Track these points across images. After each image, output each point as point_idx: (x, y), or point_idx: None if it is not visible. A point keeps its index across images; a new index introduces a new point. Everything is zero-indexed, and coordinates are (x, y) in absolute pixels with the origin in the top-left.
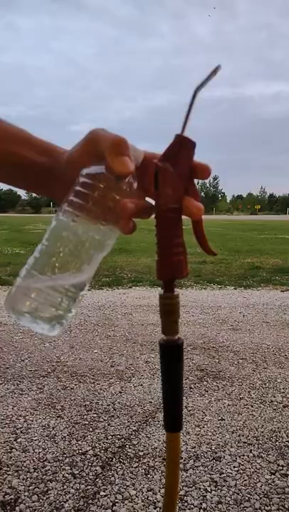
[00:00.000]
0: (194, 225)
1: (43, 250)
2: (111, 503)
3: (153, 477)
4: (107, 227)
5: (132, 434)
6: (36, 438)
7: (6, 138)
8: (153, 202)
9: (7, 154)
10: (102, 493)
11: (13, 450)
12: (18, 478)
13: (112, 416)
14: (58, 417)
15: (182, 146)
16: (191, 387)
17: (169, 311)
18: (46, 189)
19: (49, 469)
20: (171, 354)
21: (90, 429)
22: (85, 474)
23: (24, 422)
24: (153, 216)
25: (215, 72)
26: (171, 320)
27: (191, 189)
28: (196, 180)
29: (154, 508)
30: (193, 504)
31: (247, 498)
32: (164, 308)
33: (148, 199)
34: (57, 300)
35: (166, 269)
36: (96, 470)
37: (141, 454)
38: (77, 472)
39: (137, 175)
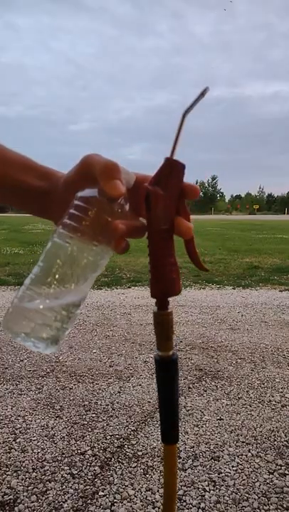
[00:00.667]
0: (186, 243)
1: (38, 271)
2: (110, 503)
3: (152, 477)
4: (100, 247)
5: (130, 434)
6: (35, 438)
7: (8, 163)
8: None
9: (9, 178)
10: (100, 493)
11: (12, 450)
12: (17, 478)
13: (111, 416)
14: (56, 417)
15: (172, 169)
16: (189, 387)
17: (164, 327)
18: (44, 211)
19: (48, 469)
20: (166, 369)
21: (89, 429)
22: (83, 474)
23: (23, 422)
24: (146, 235)
25: (203, 94)
26: (165, 336)
27: (182, 209)
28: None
29: (153, 508)
30: (191, 504)
31: (245, 497)
32: (158, 325)
33: (141, 218)
34: (52, 320)
35: (160, 288)
36: (95, 470)
37: (140, 453)
38: (76, 472)
39: (129, 197)
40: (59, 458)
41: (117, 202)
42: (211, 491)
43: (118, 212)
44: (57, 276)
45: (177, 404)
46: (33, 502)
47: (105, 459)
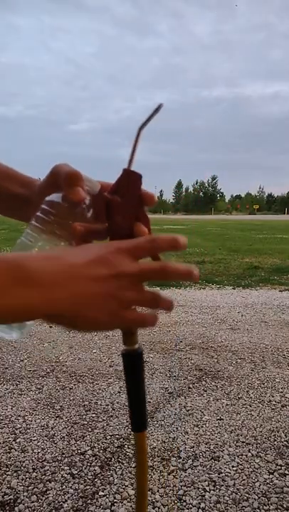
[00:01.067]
0: None
1: None
2: (110, 503)
3: (151, 477)
4: (63, 247)
5: (130, 434)
6: (35, 438)
7: None
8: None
9: None
10: (100, 493)
11: (12, 450)
12: (17, 478)
13: (111, 416)
14: (56, 417)
15: (130, 179)
16: (189, 387)
17: None
18: (25, 216)
19: (48, 469)
20: (132, 362)
21: (89, 429)
22: (83, 474)
23: (23, 422)
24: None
25: (157, 110)
26: (130, 332)
27: (142, 216)
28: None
29: (153, 508)
30: (191, 504)
31: (245, 497)
32: None
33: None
34: None
35: None
36: (95, 470)
37: None
38: (76, 472)
39: (94, 203)
40: (59, 458)
41: (79, 206)
42: (211, 491)
43: (79, 215)
44: None
45: (144, 395)
46: (33, 502)
47: (105, 459)
